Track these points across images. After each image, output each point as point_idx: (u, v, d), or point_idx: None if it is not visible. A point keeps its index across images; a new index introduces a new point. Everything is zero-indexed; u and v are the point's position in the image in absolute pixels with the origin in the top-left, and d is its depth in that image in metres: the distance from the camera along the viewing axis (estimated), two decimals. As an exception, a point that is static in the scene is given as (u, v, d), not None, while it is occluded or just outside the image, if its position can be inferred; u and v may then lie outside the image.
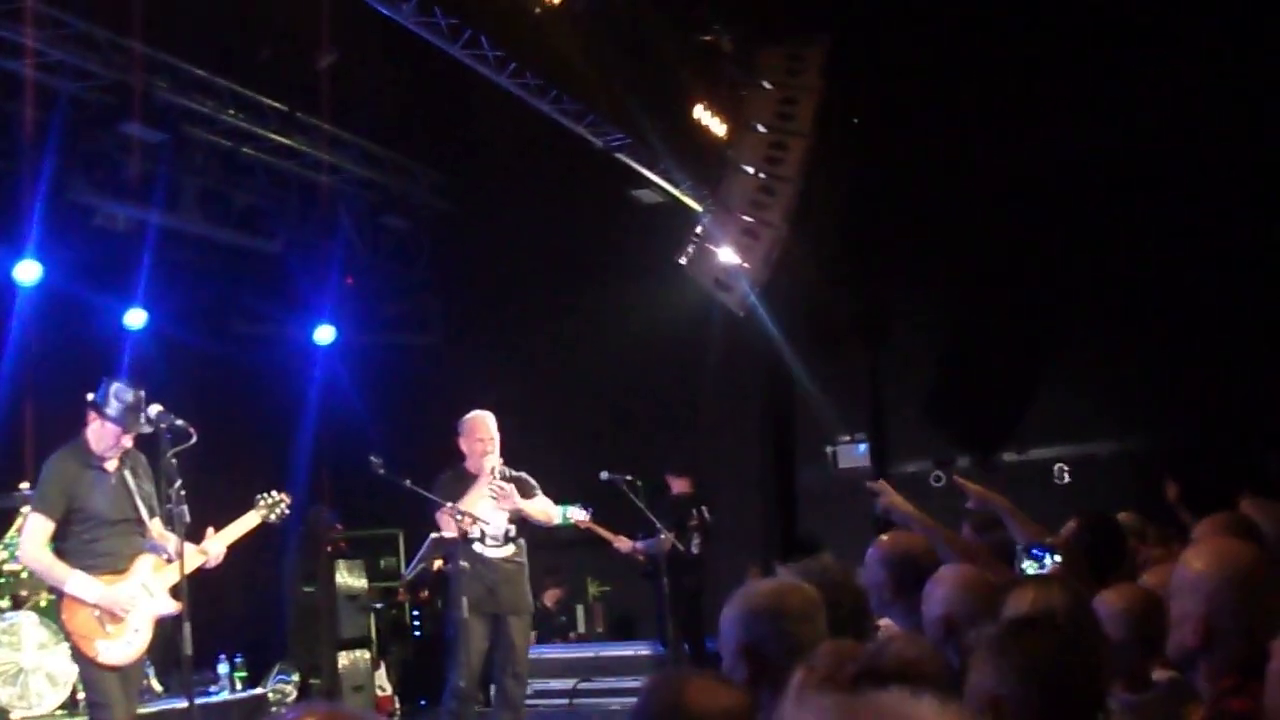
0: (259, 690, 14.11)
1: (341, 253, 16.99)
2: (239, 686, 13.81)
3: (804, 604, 4.88)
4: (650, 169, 15.42)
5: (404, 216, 18.01)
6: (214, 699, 13.38)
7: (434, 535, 10.94)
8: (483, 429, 11.50)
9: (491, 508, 11.23)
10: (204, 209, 15.12)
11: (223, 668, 13.65)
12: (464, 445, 11.54)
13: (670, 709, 3.64)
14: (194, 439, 9.12)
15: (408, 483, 11.04)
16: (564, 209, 18.02)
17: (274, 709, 13.90)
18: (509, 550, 11.33)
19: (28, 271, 13.55)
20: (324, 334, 17.12)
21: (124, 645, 9.12)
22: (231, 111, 14.84)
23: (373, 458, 11.27)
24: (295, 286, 16.46)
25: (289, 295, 16.59)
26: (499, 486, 11.29)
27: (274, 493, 10.22)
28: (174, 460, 9.02)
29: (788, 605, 4.83)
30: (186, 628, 8.85)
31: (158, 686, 13.07)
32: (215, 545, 9.58)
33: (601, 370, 18.19)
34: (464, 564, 10.86)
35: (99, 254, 14.44)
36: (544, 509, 11.66)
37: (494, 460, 11.33)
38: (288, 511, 10.34)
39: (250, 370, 16.80)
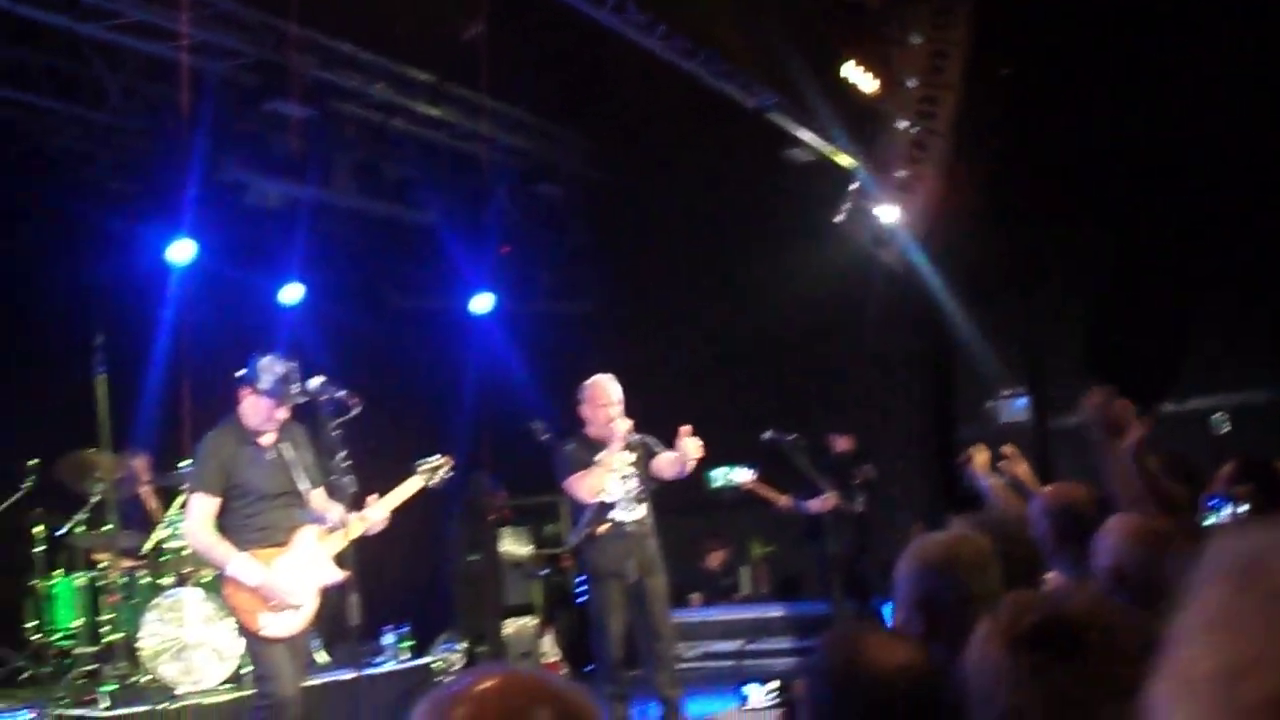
0: (425, 660, 13.97)
1: (495, 222, 16.88)
2: (405, 656, 13.70)
3: (978, 555, 4.73)
4: (802, 128, 15.15)
5: (557, 184, 17.90)
6: (380, 669, 13.23)
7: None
8: (608, 394, 11.10)
9: (623, 472, 10.98)
10: (357, 182, 15.10)
11: (388, 638, 13.56)
12: (587, 411, 11.16)
13: (847, 664, 3.57)
14: (357, 409, 9.01)
15: (570, 446, 10.95)
16: (717, 172, 17.69)
17: (439, 679, 13.63)
18: (641, 512, 11.00)
19: (182, 251, 13.58)
20: (481, 303, 16.97)
21: (288, 617, 9.00)
22: (380, 85, 14.74)
23: (534, 423, 11.16)
24: (450, 257, 16.27)
25: (444, 266, 16.41)
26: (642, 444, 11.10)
27: (435, 457, 10.04)
28: (337, 431, 8.90)
29: (962, 556, 4.68)
30: (353, 598, 8.74)
31: (323, 658, 13.04)
32: (377, 511, 9.39)
33: (760, 331, 17.91)
34: (599, 530, 10.74)
35: (252, 231, 14.50)
36: (669, 458, 11.08)
37: (625, 424, 10.97)
38: (450, 474, 10.12)
39: (407, 341, 16.82)
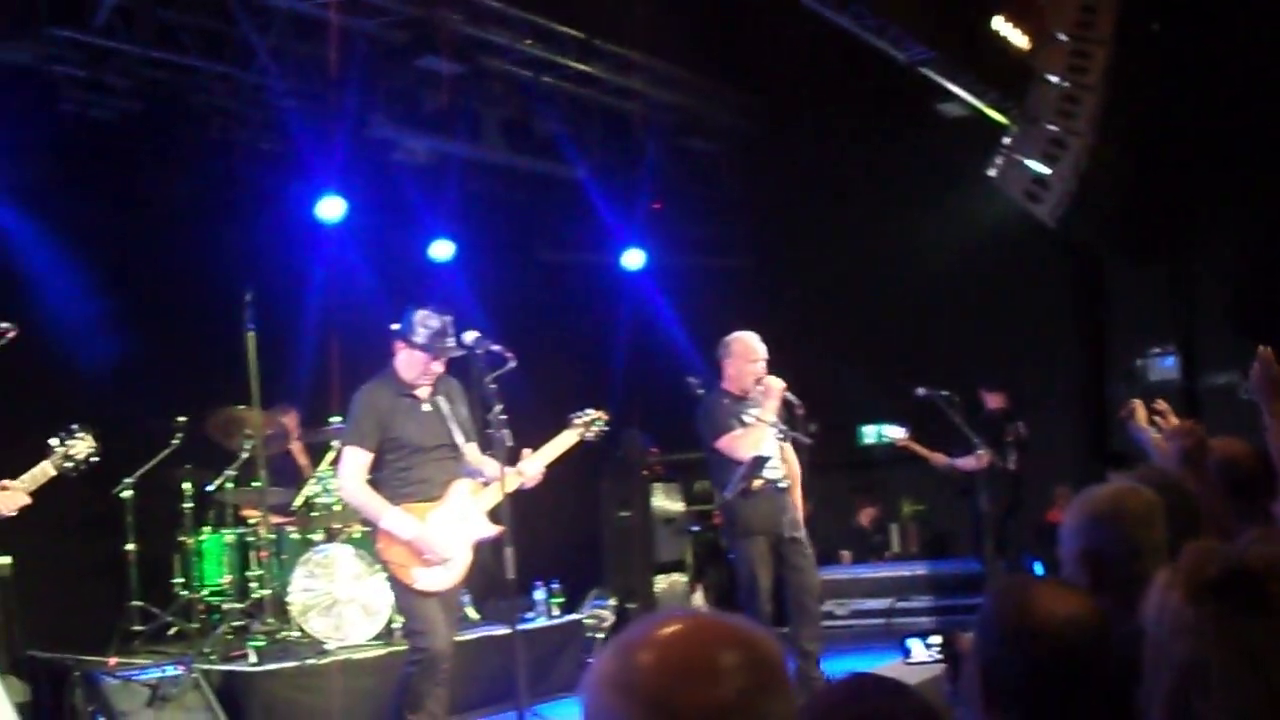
0: (575, 616, 13.84)
1: (646, 177, 16.64)
2: (555, 612, 13.57)
3: (1144, 507, 4.63)
4: (954, 82, 14.87)
5: (709, 139, 17.66)
6: (531, 625, 13.04)
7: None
8: (755, 350, 10.99)
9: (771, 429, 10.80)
10: (506, 138, 14.98)
11: (539, 594, 13.43)
12: (731, 366, 11.03)
13: (1016, 616, 3.50)
14: (512, 363, 8.89)
15: (720, 402, 10.84)
16: (869, 126, 17.40)
17: (590, 635, 13.66)
18: (783, 470, 10.89)
19: (332, 208, 13.58)
20: (633, 258, 16.89)
21: (442, 571, 8.92)
22: (529, 41, 14.54)
23: (690, 378, 11.02)
24: (601, 212, 16.12)
25: (594, 222, 16.25)
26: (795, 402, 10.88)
27: (589, 410, 9.89)
28: (492, 385, 8.78)
29: (1129, 509, 4.61)
30: (508, 552, 8.64)
31: (474, 614, 13.02)
32: (532, 465, 9.26)
33: (911, 287, 17.61)
34: (753, 487, 10.59)
35: (401, 188, 14.43)
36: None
37: (779, 381, 10.83)
38: (605, 429, 9.99)
39: (558, 297, 16.73)
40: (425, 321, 8.94)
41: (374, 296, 13.51)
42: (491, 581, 12.52)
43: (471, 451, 9.32)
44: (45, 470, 7.31)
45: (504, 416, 8.75)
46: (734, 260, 18.33)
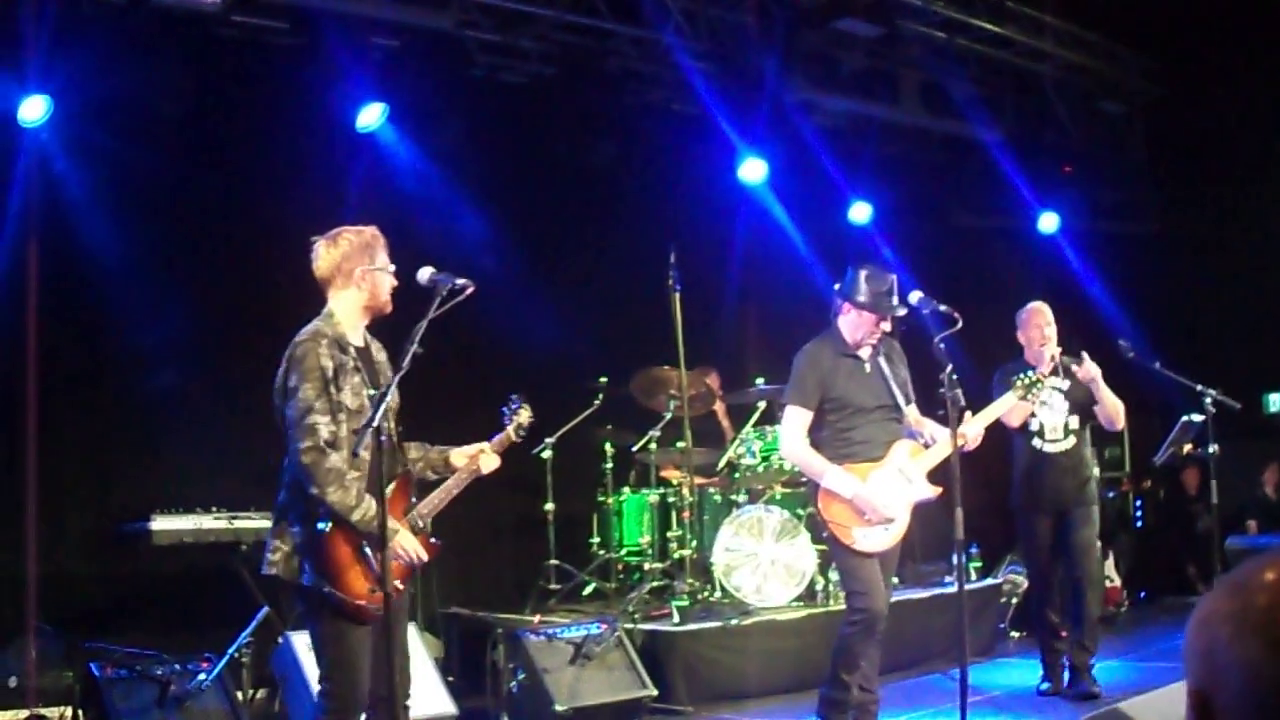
0: (992, 580, 13.40)
1: (1056, 140, 16.00)
2: (973, 577, 13.09)
3: None
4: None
5: (1118, 102, 16.82)
6: (948, 589, 12.56)
7: (1185, 419, 9.99)
8: (1042, 318, 10.38)
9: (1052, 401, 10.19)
10: (924, 101, 14.55)
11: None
12: (1022, 336, 10.50)
13: None
14: (959, 323, 8.37)
15: (1158, 365, 10.38)
16: (1276, 87, 16.33)
17: (1004, 600, 13.21)
18: (1069, 444, 10.22)
19: (754, 170, 13.36)
20: (1048, 222, 16.27)
21: (882, 532, 8.46)
22: (943, 3, 14.04)
23: (1121, 342, 10.63)
24: (1012, 176, 15.49)
25: (1007, 185, 15.61)
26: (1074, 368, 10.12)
27: (1031, 372, 9.32)
28: (942, 345, 8.27)
29: None
30: (959, 513, 8.10)
31: (894, 579, 12.59)
32: (972, 428, 8.70)
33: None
34: (1025, 459, 10.23)
35: (819, 151, 13.95)
36: (1115, 402, 10.18)
37: (1053, 349, 10.18)
38: (1036, 393, 9.33)
39: (975, 261, 16.10)
40: (870, 281, 8.52)
41: (794, 258, 13.20)
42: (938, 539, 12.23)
43: (911, 413, 8.87)
44: (509, 436, 7.07)
45: (955, 376, 8.21)
46: (1141, 225, 17.52)
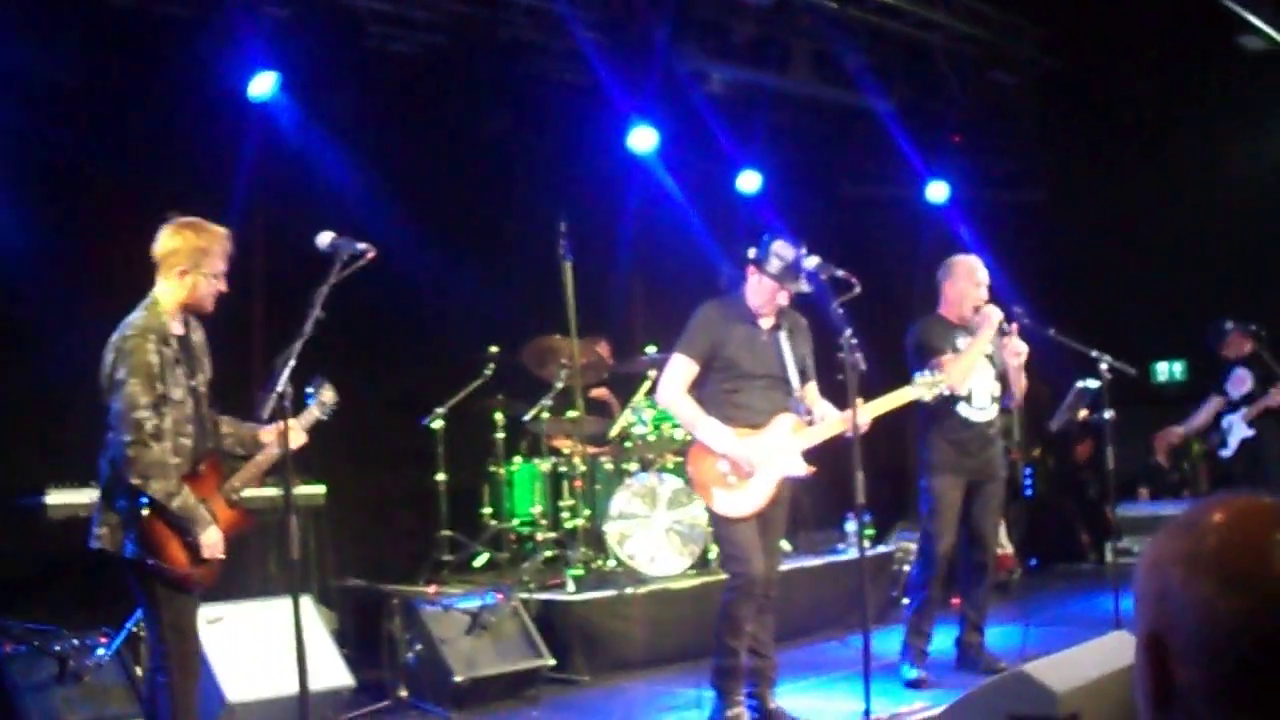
0: (885, 548, 13.64)
1: (948, 110, 16.17)
2: (866, 545, 13.30)
3: None
4: (1256, 14, 14.18)
5: (1010, 73, 16.98)
6: (841, 557, 12.96)
7: (1079, 385, 10.09)
8: (978, 273, 10.16)
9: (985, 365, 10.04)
10: (815, 70, 14.60)
11: (850, 526, 13.16)
12: (950, 288, 10.21)
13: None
14: (857, 288, 8.46)
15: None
16: (1168, 60, 16.73)
17: (896, 568, 13.39)
18: (994, 412, 10.10)
19: (644, 139, 13.39)
20: (937, 191, 16.41)
21: (742, 497, 8.54)
22: (835, -30, 14.11)
23: (1016, 308, 10.48)
24: (903, 146, 15.61)
25: (897, 155, 15.74)
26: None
27: (936, 372, 9.20)
28: (840, 310, 8.38)
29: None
30: (859, 476, 8.24)
31: (786, 545, 12.76)
32: (863, 416, 8.69)
33: (1210, 223, 16.75)
34: (944, 425, 9.97)
35: (710, 119, 14.06)
36: (1023, 384, 10.24)
37: (997, 312, 9.90)
38: (946, 393, 9.37)
39: (862, 230, 16.21)
40: (780, 252, 8.61)
41: (684, 227, 13.31)
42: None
43: (810, 391, 8.97)
44: (314, 414, 7.27)
45: (855, 340, 8.33)
46: (1031, 194, 17.78)
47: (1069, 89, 17.50)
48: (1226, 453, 14.20)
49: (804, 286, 8.64)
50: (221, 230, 6.92)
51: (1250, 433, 13.78)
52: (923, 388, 9.11)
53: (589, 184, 13.50)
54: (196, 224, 6.86)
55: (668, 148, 13.66)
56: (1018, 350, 9.97)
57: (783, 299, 8.70)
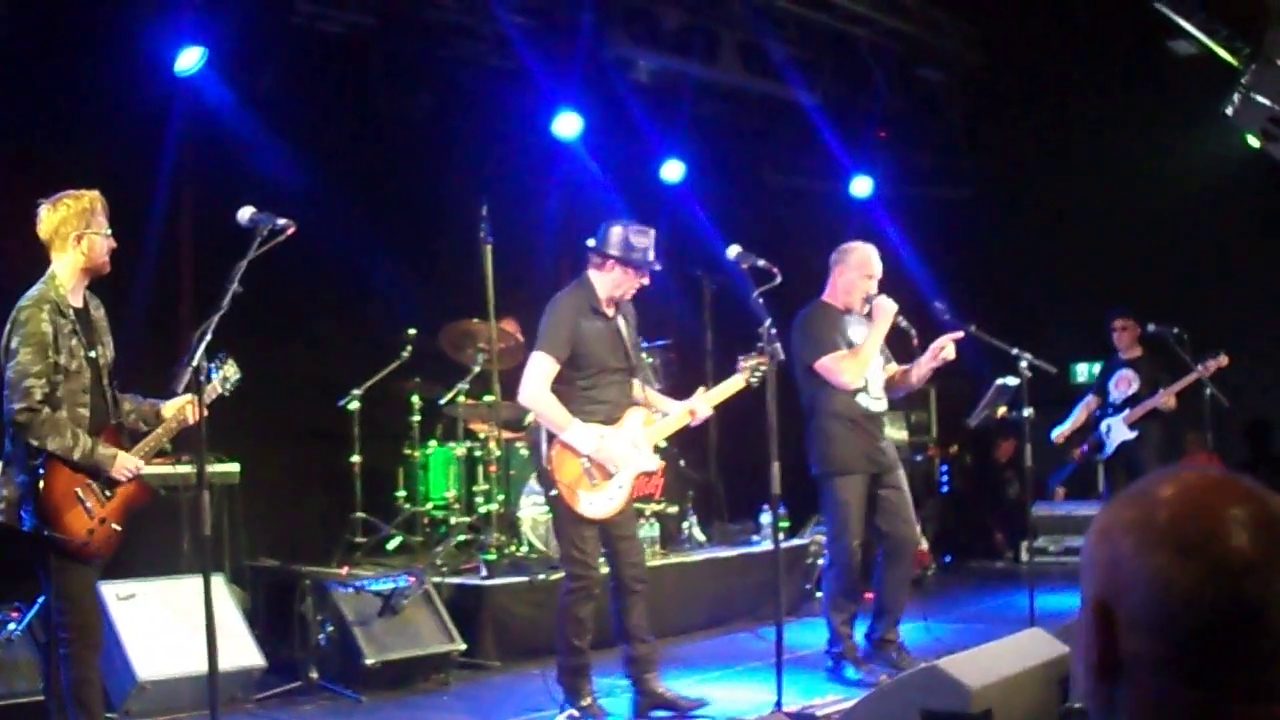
0: (799, 540, 13.61)
1: (874, 105, 16.25)
2: (781, 537, 13.37)
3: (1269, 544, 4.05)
4: (1185, 19, 14.32)
5: (937, 69, 17.16)
6: (755, 548, 13.00)
7: (999, 382, 10.14)
8: (874, 263, 10.01)
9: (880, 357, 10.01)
10: (742, 61, 14.69)
11: (764, 518, 13.23)
12: (839, 276, 10.05)
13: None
14: (778, 279, 8.45)
15: (973, 328, 10.14)
16: (1097, 61, 16.95)
17: (810, 561, 13.35)
18: (885, 404, 10.12)
19: (568, 125, 13.43)
20: (861, 186, 16.53)
21: (606, 499, 8.54)
22: (766, -38, 14.19)
23: (936, 304, 10.53)
24: (828, 139, 15.75)
25: (822, 148, 15.88)
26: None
27: (753, 356, 8.99)
28: (760, 299, 8.38)
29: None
30: (775, 467, 8.28)
31: (700, 536, 12.98)
32: (702, 406, 8.94)
33: (1135, 225, 16.98)
34: (842, 417, 9.84)
35: (635, 107, 14.18)
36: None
37: (891, 304, 9.82)
38: (760, 376, 8.95)
39: (785, 221, 16.31)
40: (633, 237, 8.58)
41: (607, 214, 13.36)
42: (714, 504, 12.40)
43: (642, 381, 9.14)
44: (215, 388, 7.34)
45: (774, 330, 8.38)
46: (957, 191, 17.93)
47: (995, 87, 17.70)
48: (1103, 456, 14.38)
49: (654, 267, 8.68)
50: (94, 191, 7.06)
51: (1131, 435, 13.92)
52: (745, 373, 9.01)
53: (513, 168, 13.58)
54: (69, 193, 7.00)
55: (592, 134, 13.71)
56: (946, 358, 9.89)
57: (631, 287, 8.71)
